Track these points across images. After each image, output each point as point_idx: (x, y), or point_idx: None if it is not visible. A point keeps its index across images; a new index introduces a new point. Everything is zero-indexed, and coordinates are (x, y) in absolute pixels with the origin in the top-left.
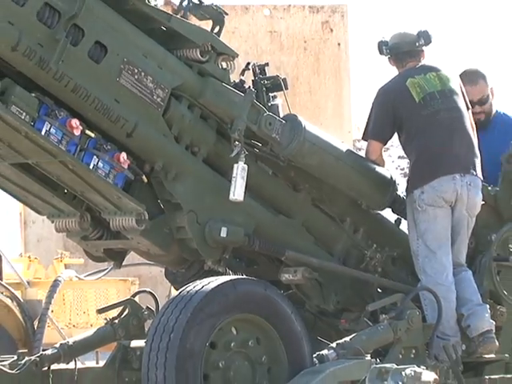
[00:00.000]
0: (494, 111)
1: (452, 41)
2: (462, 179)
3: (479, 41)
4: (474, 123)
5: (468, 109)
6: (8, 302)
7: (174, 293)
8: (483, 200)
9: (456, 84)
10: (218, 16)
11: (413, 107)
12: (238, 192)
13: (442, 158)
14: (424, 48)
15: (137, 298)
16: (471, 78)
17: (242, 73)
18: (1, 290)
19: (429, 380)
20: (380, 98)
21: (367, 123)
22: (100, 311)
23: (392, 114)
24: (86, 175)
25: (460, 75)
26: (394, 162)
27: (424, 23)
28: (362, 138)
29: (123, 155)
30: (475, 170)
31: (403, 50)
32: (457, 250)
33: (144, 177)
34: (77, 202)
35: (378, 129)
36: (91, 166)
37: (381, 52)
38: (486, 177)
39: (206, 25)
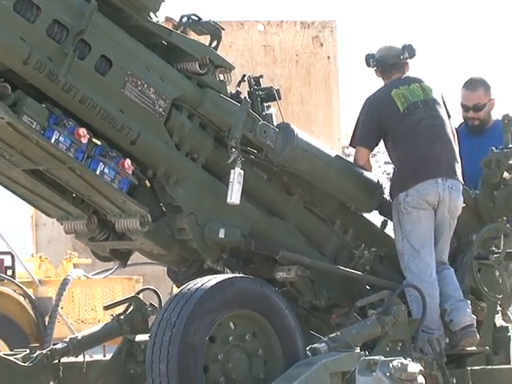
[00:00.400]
0: (492, 120)
1: (439, 52)
2: (443, 183)
3: (463, 53)
4: (454, 130)
5: (449, 117)
6: (21, 299)
7: (176, 290)
8: (464, 202)
9: (438, 94)
10: (215, 31)
11: (397, 116)
12: (234, 196)
13: (425, 164)
14: (408, 61)
15: (141, 295)
16: (473, 84)
17: (238, 84)
18: (14, 288)
19: (414, 371)
20: (367, 107)
21: (355, 131)
22: (107, 308)
23: (378, 122)
24: (92, 180)
25: (466, 81)
26: (380, 167)
27: (409, 37)
28: (350, 145)
29: (127, 162)
30: (456, 175)
31: (389, 63)
32: (440, 250)
33: (147, 182)
34: (84, 205)
35: (365, 136)
36: (98, 172)
37: (368, 64)
38: (476, 180)
39: (205, 39)
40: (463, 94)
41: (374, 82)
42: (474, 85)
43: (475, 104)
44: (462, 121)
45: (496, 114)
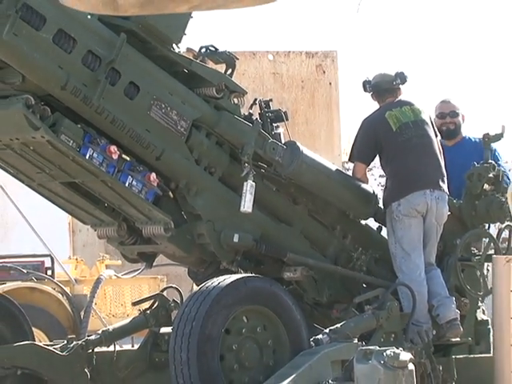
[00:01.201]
0: (463, 135)
1: (427, 78)
2: (431, 194)
3: (452, 79)
4: (441, 148)
5: (436, 136)
6: (59, 296)
7: (196, 288)
8: (449, 211)
9: (426, 116)
10: (230, 60)
11: (391, 135)
12: (247, 205)
13: (415, 177)
14: (400, 86)
15: (165, 293)
16: (445, 100)
17: (251, 107)
18: (53, 287)
19: (405, 359)
20: (364, 127)
21: (353, 148)
22: (134, 304)
23: (373, 140)
24: (122, 192)
25: (440, 101)
26: (376, 179)
27: (402, 64)
28: (349, 160)
29: (153, 175)
30: (442, 187)
31: (383, 88)
32: (428, 252)
33: (170, 193)
34: (115, 213)
35: (362, 152)
36: (127, 184)
37: (365, 89)
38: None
39: (221, 68)
40: (440, 106)
41: (370, 105)
42: (447, 100)
43: (452, 110)
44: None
45: (465, 131)
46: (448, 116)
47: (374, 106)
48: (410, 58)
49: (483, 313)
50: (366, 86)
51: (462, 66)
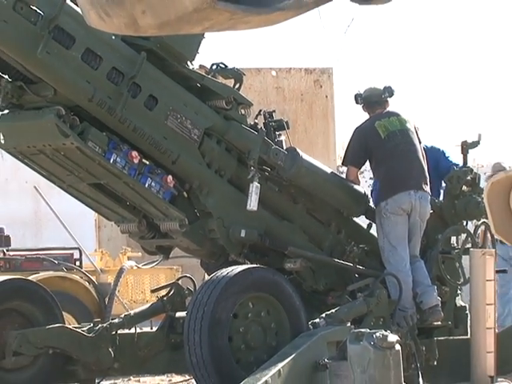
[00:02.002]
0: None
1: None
2: (415, 194)
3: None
4: (424, 153)
5: (420, 143)
6: (86, 284)
7: (207, 277)
8: (432, 209)
9: (411, 125)
10: (238, 76)
11: (379, 142)
12: (253, 204)
13: (401, 179)
14: (388, 99)
15: (180, 282)
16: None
17: (256, 117)
18: (81, 276)
19: (393, 341)
20: (356, 135)
21: (346, 153)
22: (153, 291)
23: (364, 146)
24: (142, 192)
25: None
26: (366, 182)
27: (389, 79)
28: (343, 164)
29: (170, 177)
30: (425, 188)
31: (373, 101)
32: (412, 246)
33: (185, 193)
34: (136, 211)
35: (354, 157)
36: (146, 185)
37: (356, 102)
38: None
39: (229, 82)
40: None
41: (361, 116)
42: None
43: None
44: None
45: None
46: None
47: (365, 116)
48: (395, 74)
49: (461, 299)
50: (358, 98)
51: (443, 80)
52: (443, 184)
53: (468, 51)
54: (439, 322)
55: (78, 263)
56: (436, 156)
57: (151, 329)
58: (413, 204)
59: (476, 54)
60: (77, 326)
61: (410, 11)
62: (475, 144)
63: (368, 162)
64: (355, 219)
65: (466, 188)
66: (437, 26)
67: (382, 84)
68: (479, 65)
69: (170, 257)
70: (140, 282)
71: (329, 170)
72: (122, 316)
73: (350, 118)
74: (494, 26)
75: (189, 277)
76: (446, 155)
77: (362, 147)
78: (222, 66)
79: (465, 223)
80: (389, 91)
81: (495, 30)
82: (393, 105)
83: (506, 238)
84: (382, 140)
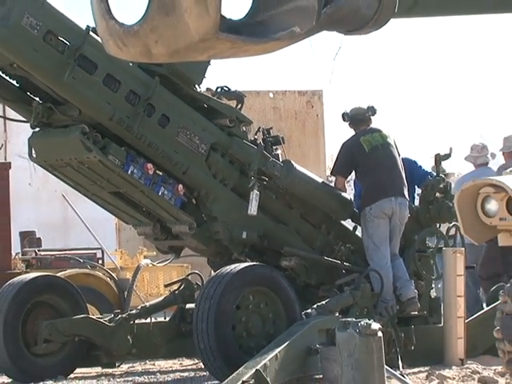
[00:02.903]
0: None
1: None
2: (396, 200)
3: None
4: (403, 164)
5: (399, 155)
6: (108, 280)
7: (213, 274)
8: (409, 214)
9: (392, 140)
10: (239, 97)
11: (364, 155)
12: (253, 209)
13: (383, 187)
14: (371, 117)
15: (189, 277)
16: None
17: (255, 133)
18: (103, 272)
19: (376, 328)
20: (343, 149)
21: (334, 165)
22: (166, 286)
23: (350, 159)
24: (156, 199)
25: None
26: (353, 190)
27: (372, 99)
28: (331, 174)
29: (180, 186)
30: (404, 194)
31: (358, 119)
32: (393, 246)
33: (193, 200)
34: (151, 216)
35: (341, 168)
36: (160, 193)
37: (343, 119)
38: None
39: (232, 103)
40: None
41: (347, 132)
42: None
43: None
44: None
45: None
46: None
47: (351, 132)
48: (378, 95)
49: (435, 292)
50: (345, 116)
51: (419, 101)
52: (417, 190)
53: (439, 77)
54: (416, 312)
55: (100, 261)
56: (410, 166)
57: (164, 319)
58: (394, 209)
59: (445, 79)
60: (99, 316)
61: (387, 39)
62: (447, 156)
63: (354, 172)
64: (342, 222)
65: (439, 195)
66: (410, 54)
67: (365, 104)
68: (447, 89)
69: (181, 256)
70: (155, 278)
71: (319, 180)
72: (139, 308)
73: (338, 134)
74: (462, 52)
75: (197, 273)
76: (419, 165)
77: (348, 160)
78: (226, 88)
79: (438, 225)
80: (372, 110)
81: (464, 55)
82: (376, 122)
83: (473, 237)
84: (367, 153)
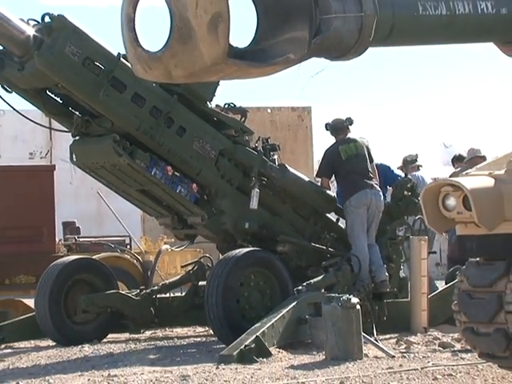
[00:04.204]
0: None
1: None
2: (370, 191)
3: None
4: (375, 169)
5: (372, 161)
6: (135, 261)
7: (221, 257)
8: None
9: (365, 149)
10: (243, 112)
11: (341, 162)
12: (254, 204)
13: (358, 183)
14: (349, 126)
15: (202, 260)
16: None
17: (256, 142)
18: (131, 256)
19: (355, 302)
20: (325, 155)
21: (319, 168)
22: (183, 267)
23: (331, 164)
24: (175, 196)
25: None
26: (336, 188)
27: (350, 112)
28: (316, 176)
29: (194, 185)
30: (376, 187)
31: (337, 128)
32: (370, 234)
33: (205, 196)
34: (170, 209)
35: (324, 171)
36: (177, 191)
37: (326, 129)
38: None
39: (237, 117)
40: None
41: (330, 140)
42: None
43: None
44: None
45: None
46: None
47: (332, 140)
48: (356, 108)
49: (404, 272)
50: (327, 126)
51: (390, 114)
52: (389, 189)
53: (407, 91)
54: (388, 289)
55: (128, 246)
56: (384, 170)
57: (181, 294)
58: (370, 199)
59: (413, 94)
60: (127, 291)
61: (363, 63)
62: (413, 161)
63: (334, 175)
64: (328, 215)
65: (406, 193)
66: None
67: (344, 116)
68: (415, 103)
69: (195, 242)
70: (173, 260)
71: (308, 180)
72: (160, 284)
73: (323, 143)
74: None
75: (208, 256)
76: (391, 169)
77: (329, 165)
78: (232, 105)
79: (406, 218)
80: (349, 121)
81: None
82: (352, 131)
83: (435, 228)
84: (343, 161)
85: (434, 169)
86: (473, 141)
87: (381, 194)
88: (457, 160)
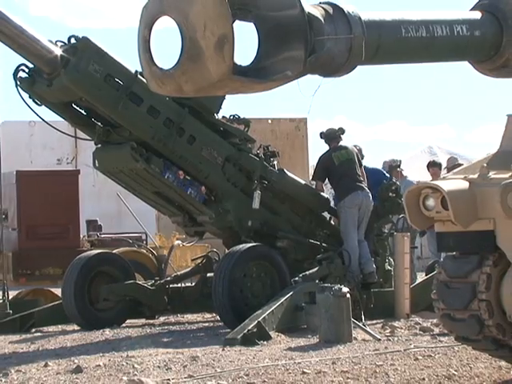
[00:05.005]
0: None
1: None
2: (361, 193)
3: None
4: (364, 172)
5: (360, 166)
6: (150, 255)
7: (227, 251)
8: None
9: (355, 155)
10: (246, 123)
11: (334, 167)
12: (256, 204)
13: (350, 186)
14: (341, 135)
15: (210, 254)
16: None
17: (258, 149)
18: (147, 250)
19: (345, 291)
20: (319, 161)
21: (314, 172)
22: (193, 260)
23: (326, 169)
24: (185, 197)
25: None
26: (329, 190)
27: (342, 123)
28: (312, 179)
29: (203, 188)
30: (366, 189)
31: (330, 136)
32: (360, 231)
33: (212, 197)
34: (181, 209)
35: (319, 175)
36: (188, 193)
37: (321, 137)
38: None
39: (241, 127)
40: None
41: (324, 148)
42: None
43: None
44: None
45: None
46: None
47: (326, 147)
48: (346, 121)
49: (389, 265)
50: (321, 135)
51: (377, 120)
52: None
53: (396, 99)
54: (374, 280)
55: (144, 242)
56: (378, 175)
57: (191, 284)
58: (362, 200)
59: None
60: (144, 282)
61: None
62: (396, 166)
63: (327, 179)
64: (322, 214)
65: (391, 194)
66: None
67: (337, 126)
68: (403, 110)
69: (203, 238)
70: (184, 254)
71: (304, 183)
72: (173, 276)
73: (317, 151)
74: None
75: (215, 251)
76: (386, 175)
77: (323, 169)
78: (236, 116)
79: (391, 217)
80: (341, 130)
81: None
82: (344, 139)
83: (417, 225)
84: (336, 166)
85: (420, 174)
86: (454, 147)
87: (370, 195)
88: (432, 165)
